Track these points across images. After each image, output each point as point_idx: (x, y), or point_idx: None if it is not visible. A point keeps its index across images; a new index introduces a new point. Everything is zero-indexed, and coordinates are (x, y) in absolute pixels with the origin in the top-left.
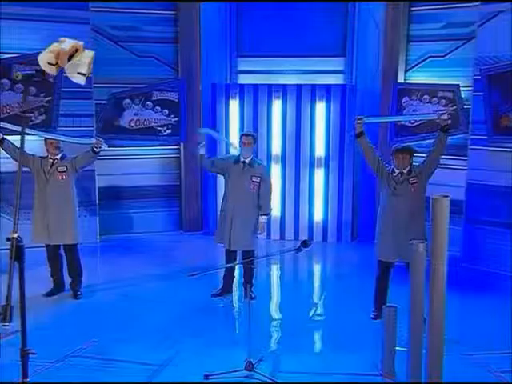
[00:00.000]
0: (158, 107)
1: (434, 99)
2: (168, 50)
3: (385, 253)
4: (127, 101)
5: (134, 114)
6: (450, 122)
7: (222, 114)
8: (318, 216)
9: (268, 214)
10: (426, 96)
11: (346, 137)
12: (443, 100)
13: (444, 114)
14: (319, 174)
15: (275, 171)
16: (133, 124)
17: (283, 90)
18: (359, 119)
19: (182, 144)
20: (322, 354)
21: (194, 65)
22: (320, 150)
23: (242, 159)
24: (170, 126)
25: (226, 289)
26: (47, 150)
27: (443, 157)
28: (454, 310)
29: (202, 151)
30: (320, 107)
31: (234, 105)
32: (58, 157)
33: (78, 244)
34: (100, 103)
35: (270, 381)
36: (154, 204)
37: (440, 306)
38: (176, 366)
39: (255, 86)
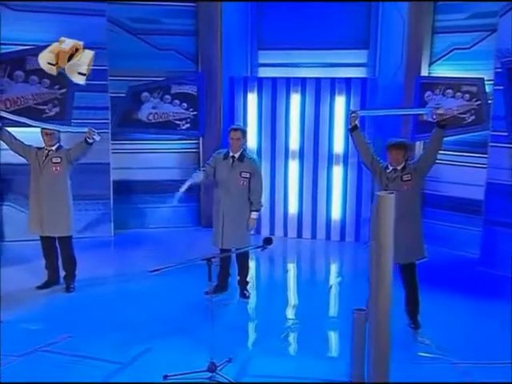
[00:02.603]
0: (176, 101)
1: (458, 94)
2: (188, 43)
3: None
4: (145, 94)
5: (153, 108)
6: (445, 116)
7: (240, 108)
8: (336, 214)
9: (259, 210)
10: (449, 90)
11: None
12: (467, 95)
13: (439, 108)
14: (338, 171)
15: (292, 167)
16: (151, 117)
17: (302, 83)
18: (353, 113)
19: (200, 138)
20: (299, 359)
21: (214, 58)
22: (339, 146)
23: (231, 154)
24: (188, 120)
25: (221, 286)
26: (43, 140)
27: (465, 154)
28: (462, 316)
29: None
30: (339, 101)
31: (252, 98)
32: (54, 148)
33: (72, 237)
34: (118, 96)
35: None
36: (173, 199)
37: (385, 304)
38: (141, 364)
39: (273, 80)
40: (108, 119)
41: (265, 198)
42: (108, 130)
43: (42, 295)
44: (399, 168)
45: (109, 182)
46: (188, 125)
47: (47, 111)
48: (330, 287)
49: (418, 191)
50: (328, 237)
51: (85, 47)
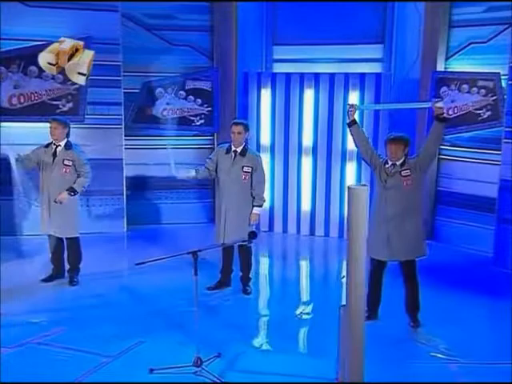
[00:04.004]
0: (191, 96)
1: (474, 89)
2: (203, 39)
3: (375, 250)
4: (160, 90)
5: (167, 104)
6: (444, 110)
7: (253, 104)
8: None
9: (261, 206)
10: (465, 85)
11: (380, 128)
12: (483, 90)
13: (438, 101)
14: (351, 168)
15: (305, 164)
16: (165, 113)
17: (315, 78)
18: (351, 106)
19: (215, 134)
20: (290, 355)
21: (229, 53)
22: (352, 143)
23: (233, 149)
24: (202, 116)
25: (223, 282)
26: (50, 134)
27: (480, 151)
28: (473, 316)
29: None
30: (353, 97)
31: (266, 94)
32: (62, 143)
33: (78, 236)
34: (133, 92)
35: (215, 379)
36: (187, 195)
37: (359, 301)
38: (129, 357)
39: (287, 75)
40: (121, 115)
41: (277, 195)
42: (121, 125)
43: (45, 288)
44: (398, 163)
45: (122, 178)
46: (202, 121)
47: (61, 106)
48: (342, 277)
49: (419, 187)
50: (341, 235)
51: (99, 42)
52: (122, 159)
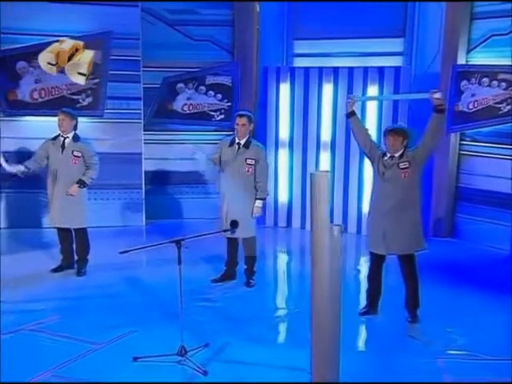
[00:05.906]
0: (211, 91)
1: (494, 82)
2: (224, 34)
3: (374, 244)
4: (180, 85)
5: (187, 99)
6: (443, 101)
7: (272, 98)
8: (367, 208)
9: (265, 199)
10: (485, 79)
11: (399, 122)
12: (503, 83)
13: (436, 92)
14: (369, 163)
15: (324, 159)
16: (186, 108)
17: (334, 72)
18: (350, 98)
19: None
20: (277, 347)
21: (250, 48)
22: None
23: (236, 141)
24: (222, 111)
25: (228, 275)
26: (58, 125)
27: (501, 146)
28: (487, 313)
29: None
30: (372, 91)
31: (285, 88)
32: (70, 135)
33: (86, 228)
34: (154, 87)
35: (196, 368)
36: (206, 190)
37: (323, 290)
38: (118, 346)
39: (306, 69)
40: (141, 109)
41: (296, 190)
42: (140, 120)
43: (52, 278)
44: (397, 155)
45: (141, 172)
46: (222, 116)
47: (81, 101)
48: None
49: (417, 180)
50: (359, 231)
51: (119, 37)
52: (141, 153)
